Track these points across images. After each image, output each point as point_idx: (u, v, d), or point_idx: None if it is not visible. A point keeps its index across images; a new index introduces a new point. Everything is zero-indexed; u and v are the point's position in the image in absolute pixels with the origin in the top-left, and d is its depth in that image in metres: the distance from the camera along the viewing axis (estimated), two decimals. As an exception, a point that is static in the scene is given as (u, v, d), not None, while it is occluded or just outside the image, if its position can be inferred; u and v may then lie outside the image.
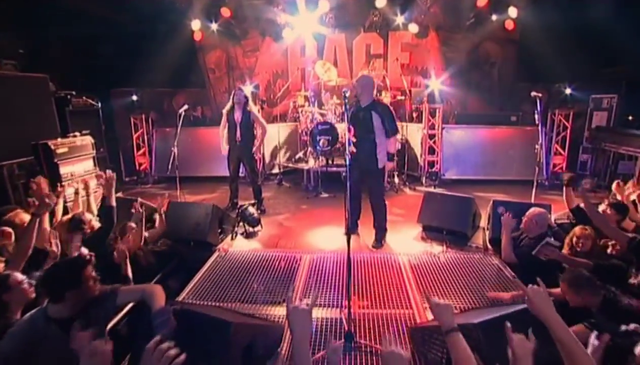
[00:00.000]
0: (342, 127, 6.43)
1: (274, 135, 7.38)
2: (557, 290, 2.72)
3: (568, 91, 6.45)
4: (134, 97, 7.35)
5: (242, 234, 4.51)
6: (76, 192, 3.68)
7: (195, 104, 8.92)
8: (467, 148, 6.93)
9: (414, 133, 7.21)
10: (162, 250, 4.02)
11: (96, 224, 3.19)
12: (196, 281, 3.40)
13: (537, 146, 4.78)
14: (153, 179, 7.47)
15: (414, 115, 7.06)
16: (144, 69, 7.75)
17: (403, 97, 6.94)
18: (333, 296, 3.15)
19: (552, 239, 3.19)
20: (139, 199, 3.93)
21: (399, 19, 7.83)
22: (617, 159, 6.04)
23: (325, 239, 4.43)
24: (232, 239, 4.38)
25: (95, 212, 3.54)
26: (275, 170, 7.70)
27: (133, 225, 3.38)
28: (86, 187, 3.49)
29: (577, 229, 3.21)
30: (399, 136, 6.40)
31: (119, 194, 5.39)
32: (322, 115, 6.65)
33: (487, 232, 4.34)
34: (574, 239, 3.17)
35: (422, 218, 4.49)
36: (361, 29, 8.29)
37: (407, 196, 6.28)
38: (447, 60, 8.26)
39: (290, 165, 6.96)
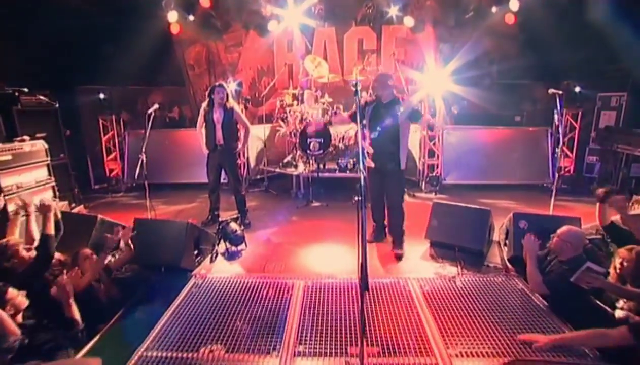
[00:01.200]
0: (337, 129, 5.85)
1: (259, 136, 6.76)
2: (613, 331, 2.21)
3: (577, 89, 6.01)
4: (102, 96, 6.58)
5: (223, 254, 3.87)
6: (16, 212, 2.98)
7: (173, 104, 8.21)
8: (468, 150, 6.45)
9: (412, 134, 6.64)
10: (127, 278, 3.37)
11: (32, 254, 2.52)
12: (164, 323, 2.75)
13: (558, 150, 4.27)
14: (125, 187, 6.73)
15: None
16: (114, 65, 6.99)
17: (400, 96, 6.38)
18: (335, 339, 2.56)
19: (593, 264, 2.67)
20: (122, 226, 3.28)
21: (393, 11, 7.29)
22: (631, 161, 5.63)
23: (322, 259, 3.83)
24: (211, 261, 3.74)
25: (38, 237, 2.85)
26: (261, 176, 7.07)
27: (88, 252, 2.72)
28: (25, 207, 2.80)
29: (623, 251, 2.70)
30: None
31: (79, 208, 4.68)
32: (312, 115, 6.05)
33: (504, 249, 3.82)
34: (621, 263, 2.66)
35: (430, 233, 3.94)
36: (352, 23, 7.72)
37: (407, 204, 5.70)
38: (443, 56, 7.78)
39: (278, 170, 6.33)
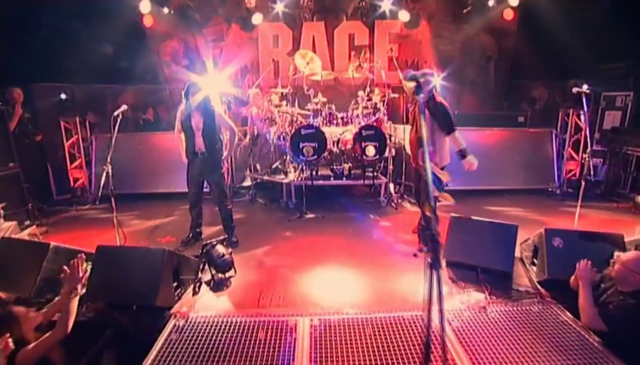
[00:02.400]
0: (331, 131, 5.29)
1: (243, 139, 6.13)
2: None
3: (585, 88, 5.67)
4: (63, 96, 5.79)
5: (208, 283, 3.25)
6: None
7: (147, 104, 7.46)
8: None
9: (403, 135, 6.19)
10: (88, 321, 2.73)
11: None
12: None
13: (585, 155, 3.88)
14: (93, 198, 5.93)
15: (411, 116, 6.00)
16: (79, 60, 6.23)
17: (397, 95, 5.91)
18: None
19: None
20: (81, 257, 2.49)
21: (387, 5, 6.81)
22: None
23: (327, 287, 3.26)
24: (194, 293, 3.12)
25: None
26: (247, 183, 6.44)
27: (22, 311, 2.06)
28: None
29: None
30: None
31: (32, 229, 3.94)
32: (304, 117, 5.48)
33: (532, 268, 3.38)
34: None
35: (448, 252, 3.45)
36: (343, 17, 7.20)
37: (409, 213, 5.24)
38: (439, 53, 7.37)
39: (266, 177, 5.72)
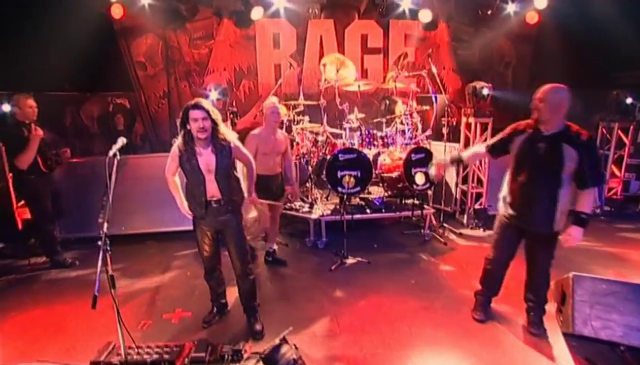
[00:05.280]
0: (371, 154, 4.33)
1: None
2: None
3: (629, 101, 5.25)
4: (6, 107, 4.28)
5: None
6: None
7: (115, 114, 6.02)
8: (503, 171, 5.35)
9: (443, 155, 5.40)
10: None
11: None
12: None
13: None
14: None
15: (445, 131, 5.23)
16: (28, 62, 4.73)
17: (427, 107, 5.09)
18: None
19: None
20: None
21: (407, 4, 5.98)
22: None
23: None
24: None
25: None
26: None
27: None
28: None
29: None
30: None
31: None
32: (335, 136, 4.46)
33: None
34: None
35: (577, 323, 2.65)
36: (355, 14, 6.26)
37: (462, 249, 4.45)
38: (457, 58, 6.70)
39: (291, 212, 4.61)
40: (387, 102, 6.04)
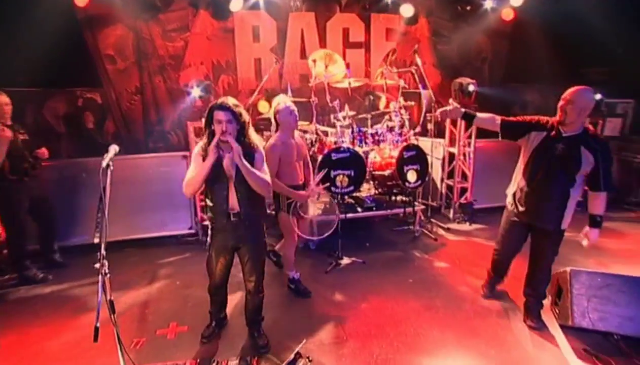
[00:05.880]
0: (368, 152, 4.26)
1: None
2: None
3: (598, 96, 5.50)
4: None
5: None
6: None
7: (82, 110, 5.56)
8: (496, 167, 5.44)
9: (429, 151, 5.43)
10: None
11: None
12: None
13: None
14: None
15: (430, 126, 5.26)
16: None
17: (413, 103, 5.07)
18: None
19: None
20: None
21: (389, -4, 5.93)
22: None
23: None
24: None
25: None
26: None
27: None
28: None
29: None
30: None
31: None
32: (324, 134, 4.35)
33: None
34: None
35: (576, 316, 2.75)
36: (337, 8, 6.12)
37: (453, 244, 4.52)
38: (438, 53, 6.76)
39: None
40: (371, 97, 6.02)
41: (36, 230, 3.90)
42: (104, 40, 5.34)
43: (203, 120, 2.42)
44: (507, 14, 6.51)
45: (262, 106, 5.50)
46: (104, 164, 1.99)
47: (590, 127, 2.71)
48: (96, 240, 1.87)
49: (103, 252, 1.86)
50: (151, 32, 5.50)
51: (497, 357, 2.62)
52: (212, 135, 2.35)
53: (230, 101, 2.33)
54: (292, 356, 2.16)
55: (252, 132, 2.48)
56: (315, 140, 4.20)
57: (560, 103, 2.60)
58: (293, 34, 6.01)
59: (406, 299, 3.33)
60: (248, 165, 2.30)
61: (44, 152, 3.70)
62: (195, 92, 4.28)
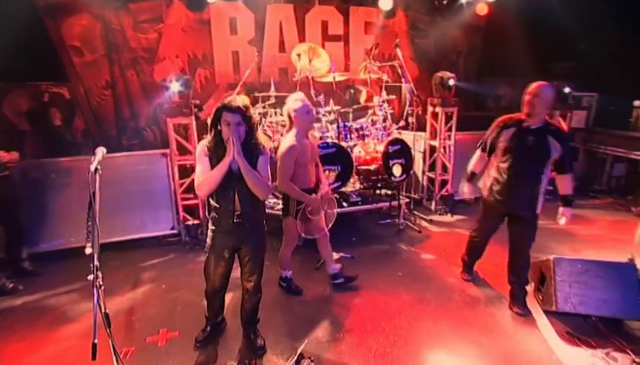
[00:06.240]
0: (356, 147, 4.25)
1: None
2: None
3: (567, 90, 5.77)
4: None
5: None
6: None
7: (48, 107, 5.20)
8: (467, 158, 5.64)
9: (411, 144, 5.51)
10: None
11: None
12: None
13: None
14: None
15: (410, 120, 5.32)
16: None
17: (394, 96, 5.11)
18: None
19: None
20: None
21: (366, -11, 5.91)
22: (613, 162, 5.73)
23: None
24: None
25: None
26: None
27: None
28: None
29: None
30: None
31: None
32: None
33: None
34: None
35: (560, 302, 2.89)
36: (315, 0, 6.03)
37: (436, 236, 4.62)
38: (415, 47, 6.83)
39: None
40: (352, 91, 6.00)
41: (2, 237, 3.64)
42: (68, 30, 4.99)
43: (210, 119, 2.32)
44: (482, 9, 6.66)
45: (244, 100, 5.35)
46: (92, 167, 1.85)
47: (560, 119, 2.98)
48: (88, 251, 1.74)
49: (97, 263, 1.74)
50: (121, 23, 5.20)
51: (490, 345, 2.71)
52: (218, 135, 2.28)
53: (240, 102, 2.25)
54: (295, 357, 2.13)
55: (261, 135, 2.42)
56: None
57: (527, 97, 2.79)
58: (271, 27, 5.87)
59: (397, 292, 3.38)
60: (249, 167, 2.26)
61: (13, 155, 3.44)
62: (175, 87, 4.09)
